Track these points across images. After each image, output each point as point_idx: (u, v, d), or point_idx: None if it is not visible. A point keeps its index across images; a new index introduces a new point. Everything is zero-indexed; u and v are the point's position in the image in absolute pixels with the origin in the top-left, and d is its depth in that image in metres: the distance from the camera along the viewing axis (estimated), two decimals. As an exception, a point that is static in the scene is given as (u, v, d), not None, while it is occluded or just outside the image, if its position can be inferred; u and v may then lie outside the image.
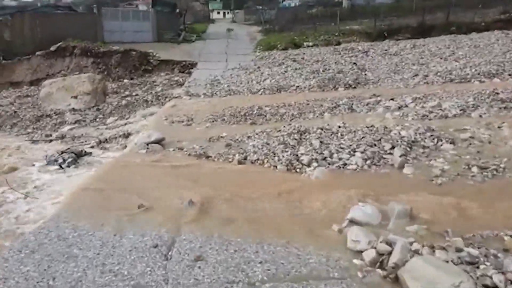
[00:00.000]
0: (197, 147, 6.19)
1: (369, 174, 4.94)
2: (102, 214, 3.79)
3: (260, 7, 37.83)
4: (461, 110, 7.23)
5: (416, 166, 5.08)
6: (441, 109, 7.43)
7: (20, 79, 15.68)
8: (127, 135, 8.37)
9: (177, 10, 27.11)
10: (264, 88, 11.13)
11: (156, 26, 21.90)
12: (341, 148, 5.65)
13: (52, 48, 16.59)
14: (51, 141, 9.04)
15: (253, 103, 9.32)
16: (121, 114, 10.49)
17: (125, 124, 9.63)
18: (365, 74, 12.65)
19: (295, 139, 6.14)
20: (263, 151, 5.71)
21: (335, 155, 5.40)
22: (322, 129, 6.62)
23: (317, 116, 7.98)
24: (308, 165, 5.18)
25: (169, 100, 10.70)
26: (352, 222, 3.61)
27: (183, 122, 8.00)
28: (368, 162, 5.18)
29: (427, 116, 7.15)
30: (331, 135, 6.30)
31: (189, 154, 5.81)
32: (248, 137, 6.66)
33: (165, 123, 8.03)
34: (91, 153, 7.57)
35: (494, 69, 10.24)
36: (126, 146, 7.64)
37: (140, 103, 11.20)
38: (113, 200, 4.14)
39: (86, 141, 8.68)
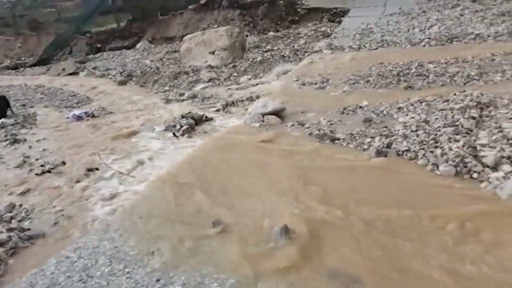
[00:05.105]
0: (323, 122, 4.66)
1: None
2: (162, 232, 2.75)
3: None
4: None
5: None
6: None
7: (173, 34, 16.14)
8: (254, 98, 7.29)
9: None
10: (429, 38, 8.57)
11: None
12: (558, 138, 3.38)
13: (202, 1, 16.52)
14: (183, 100, 8.65)
15: (412, 58, 7.07)
16: (255, 72, 9.48)
17: (257, 84, 8.58)
18: None
19: (472, 117, 4.04)
20: (418, 136, 3.84)
21: (545, 153, 3.22)
22: (519, 101, 4.30)
23: (507, 79, 5.44)
24: (495, 168, 3.17)
25: (308, 56, 9.16)
26: None
27: (316, 84, 6.46)
28: None
29: None
30: (537, 112, 3.97)
31: (310, 134, 4.33)
32: (398, 108, 4.79)
33: (294, 85, 6.62)
34: (212, 118, 6.80)
35: None
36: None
37: (276, 59, 9.96)
38: (188, 206, 3.06)
39: (214, 103, 7.98)
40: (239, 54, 10.94)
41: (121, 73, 11.87)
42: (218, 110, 7.44)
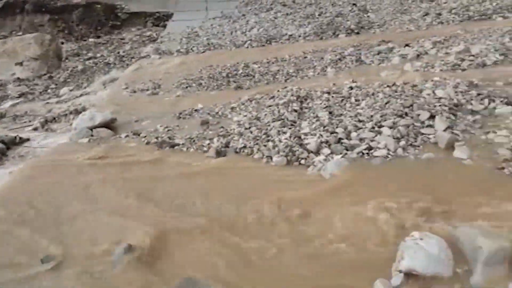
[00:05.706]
0: (160, 130, 4.51)
1: (407, 163, 3.35)
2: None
3: None
4: (501, 55, 5.56)
5: (470, 144, 3.50)
6: (472, 55, 5.77)
7: (-35, 45, 13.41)
8: (80, 111, 6.58)
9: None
10: (251, 40, 9.24)
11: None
12: (360, 121, 4.01)
13: (-1, 5, 14.19)
14: (-13, 122, 7.24)
15: (238, 60, 7.50)
16: (77, 83, 8.61)
17: (81, 95, 7.80)
18: (368, 16, 10.82)
19: (295, 110, 4.48)
20: (251, 132, 4.05)
21: (353, 134, 3.78)
22: (328, 92, 4.95)
23: (318, 73, 6.26)
24: (317, 152, 3.57)
25: (135, 62, 8.79)
26: (409, 275, 2.08)
27: (147, 90, 6.23)
28: (403, 143, 3.59)
29: (459, 65, 5.50)
30: (342, 101, 4.65)
31: (148, 143, 4.13)
32: (232, 108, 4.98)
33: (124, 93, 6.26)
34: (28, 139, 5.86)
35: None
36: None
37: (100, 67, 9.27)
38: (6, 247, 2.54)
39: (29, 121, 6.92)
40: (55, 64, 9.78)
41: None
42: (36, 129, 6.46)
